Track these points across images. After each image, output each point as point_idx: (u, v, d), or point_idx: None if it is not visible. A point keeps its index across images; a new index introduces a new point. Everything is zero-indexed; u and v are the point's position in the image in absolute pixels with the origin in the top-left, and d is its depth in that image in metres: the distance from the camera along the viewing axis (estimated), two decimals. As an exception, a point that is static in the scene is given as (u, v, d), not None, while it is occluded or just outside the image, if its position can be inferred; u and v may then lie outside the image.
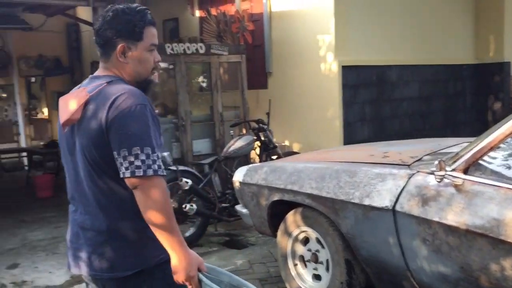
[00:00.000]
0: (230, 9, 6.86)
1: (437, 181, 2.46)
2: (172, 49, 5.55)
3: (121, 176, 1.64)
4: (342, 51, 6.07)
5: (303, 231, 3.33)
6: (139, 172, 1.61)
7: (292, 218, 3.36)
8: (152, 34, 1.81)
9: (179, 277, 1.66)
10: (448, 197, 2.42)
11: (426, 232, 2.48)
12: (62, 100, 1.82)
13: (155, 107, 6.15)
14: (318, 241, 3.24)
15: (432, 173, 2.51)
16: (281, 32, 6.63)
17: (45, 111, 10.55)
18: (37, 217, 6.02)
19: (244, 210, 3.83)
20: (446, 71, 7.38)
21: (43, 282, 4.09)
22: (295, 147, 6.50)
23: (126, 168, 1.62)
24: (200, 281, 1.65)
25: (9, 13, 8.59)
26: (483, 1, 7.71)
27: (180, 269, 1.64)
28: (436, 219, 2.42)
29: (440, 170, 2.43)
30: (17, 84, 9.59)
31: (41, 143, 8.50)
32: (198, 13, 7.65)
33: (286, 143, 6.61)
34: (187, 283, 1.66)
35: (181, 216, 4.66)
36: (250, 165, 3.96)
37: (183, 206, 4.52)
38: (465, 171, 2.41)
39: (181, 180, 4.52)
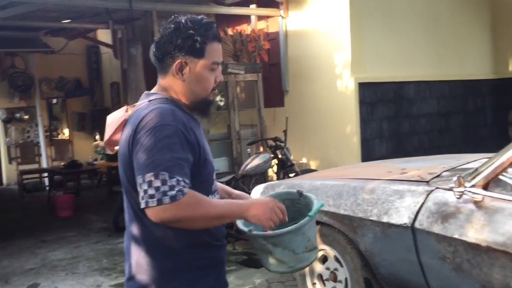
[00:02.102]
0: (246, 29, 6.94)
1: (457, 198, 2.42)
2: (189, 69, 5.62)
3: (141, 206, 1.48)
4: (358, 68, 6.08)
5: (321, 249, 3.29)
6: (153, 202, 1.44)
7: (309, 236, 3.33)
8: (215, 51, 1.62)
9: (269, 221, 1.57)
10: (467, 213, 2.38)
11: (446, 249, 2.44)
12: (108, 118, 1.74)
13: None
14: (337, 259, 3.20)
15: (451, 189, 2.47)
16: (297, 50, 6.68)
17: (66, 131, 10.74)
18: (58, 237, 6.08)
19: (262, 229, 3.81)
20: (465, 87, 7.33)
21: (63, 301, 4.11)
22: (313, 165, 6.48)
23: (141, 198, 1.46)
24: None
25: (32, 37, 8.84)
26: (501, 16, 7.67)
27: (261, 218, 1.56)
28: (456, 236, 2.38)
29: (459, 186, 2.39)
30: (39, 106, 9.80)
31: (62, 163, 8.62)
32: (215, 34, 7.75)
33: (304, 160, 6.60)
34: (278, 218, 1.59)
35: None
36: (268, 183, 3.96)
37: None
38: (485, 187, 2.37)
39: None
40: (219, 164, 5.97)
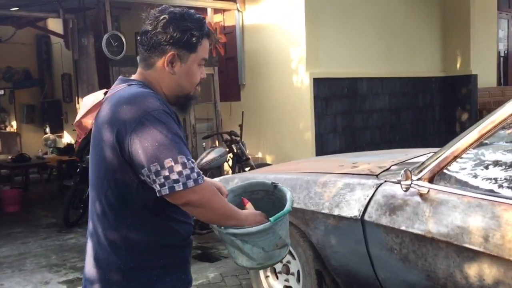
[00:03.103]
0: (203, 22, 6.88)
1: (404, 190, 2.49)
2: (144, 61, 5.52)
3: (158, 195, 1.45)
4: (313, 64, 6.15)
5: (274, 243, 3.32)
6: (179, 187, 1.43)
7: (263, 229, 3.35)
8: (206, 48, 1.63)
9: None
10: (414, 206, 2.45)
11: (394, 241, 2.51)
12: (83, 100, 1.69)
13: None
14: (289, 252, 3.23)
15: (398, 182, 2.54)
16: (253, 45, 6.68)
17: (14, 124, 10.34)
18: (4, 233, 5.85)
19: (216, 222, 3.80)
20: (414, 84, 7.56)
21: (9, 299, 3.97)
22: (268, 159, 6.52)
23: (162, 185, 1.43)
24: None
25: (-23, 24, 8.43)
26: (450, 16, 7.95)
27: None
28: (402, 228, 2.45)
29: (406, 179, 2.46)
30: (-15, 97, 9.39)
31: (9, 157, 8.29)
32: (170, 26, 7.65)
33: (259, 155, 6.63)
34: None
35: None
36: (221, 177, 3.95)
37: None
38: (431, 180, 2.45)
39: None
40: (174, 158, 5.91)
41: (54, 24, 9.08)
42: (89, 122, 1.62)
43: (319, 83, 6.19)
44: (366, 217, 2.64)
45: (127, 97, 1.50)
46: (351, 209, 2.73)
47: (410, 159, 3.17)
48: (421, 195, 2.44)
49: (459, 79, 7.92)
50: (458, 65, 7.98)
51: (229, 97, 6.83)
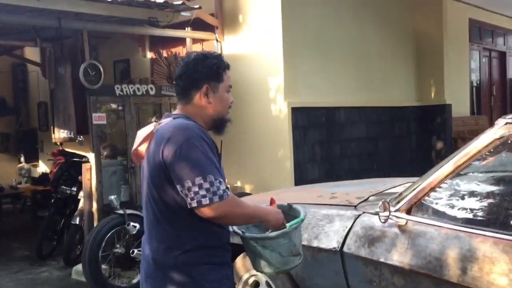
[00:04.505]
0: (181, 51, 6.91)
1: (382, 222, 2.50)
2: (122, 90, 5.51)
3: (189, 207, 1.79)
4: (291, 93, 6.21)
5: (253, 275, 3.27)
6: (206, 201, 1.76)
7: (241, 262, 3.30)
8: (229, 77, 2.06)
9: (275, 225, 1.98)
10: (392, 237, 2.45)
11: (373, 273, 2.50)
12: (137, 133, 2.05)
13: (103, 148, 6.02)
14: (268, 284, 3.18)
15: (377, 213, 2.54)
16: (232, 75, 6.68)
17: (-12, 153, 10.11)
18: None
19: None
20: (391, 113, 7.67)
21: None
22: (247, 188, 6.48)
23: (192, 199, 1.77)
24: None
25: (-49, 52, 8.30)
26: (424, 48, 8.16)
27: (273, 223, 1.98)
28: (381, 259, 2.44)
29: (384, 210, 2.47)
30: (-42, 125, 9.19)
31: (-18, 186, 8.07)
32: (149, 55, 7.66)
33: (238, 184, 6.59)
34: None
35: (129, 263, 4.51)
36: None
37: (131, 251, 4.37)
38: (408, 212, 2.47)
39: (129, 225, 4.40)
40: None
41: (31, 53, 9.00)
42: (143, 150, 1.99)
43: (297, 113, 6.23)
44: (345, 249, 2.63)
45: (173, 128, 1.88)
46: (330, 241, 2.71)
47: (388, 189, 3.19)
48: (399, 226, 2.44)
49: (434, 108, 8.08)
50: (432, 95, 8.16)
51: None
